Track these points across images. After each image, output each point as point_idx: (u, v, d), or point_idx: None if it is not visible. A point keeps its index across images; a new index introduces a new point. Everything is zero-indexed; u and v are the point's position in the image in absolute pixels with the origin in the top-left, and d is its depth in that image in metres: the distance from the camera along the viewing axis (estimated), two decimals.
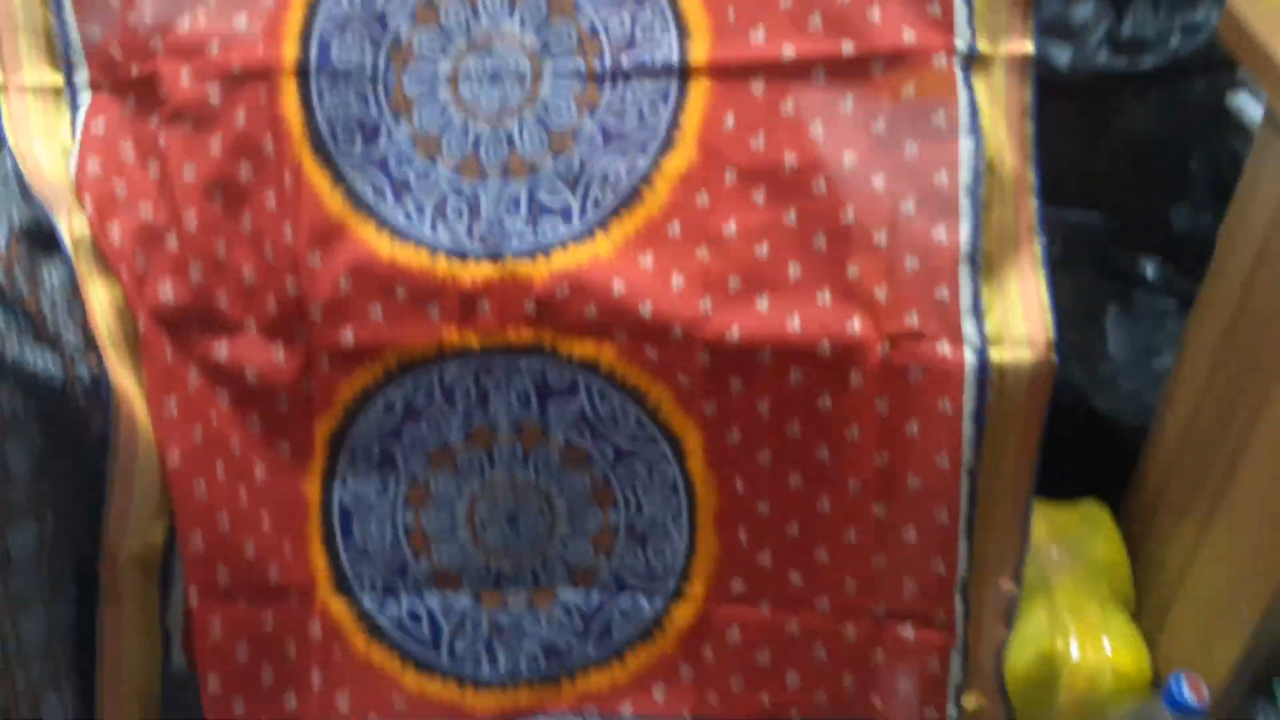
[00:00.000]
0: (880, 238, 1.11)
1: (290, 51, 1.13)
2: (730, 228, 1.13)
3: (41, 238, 1.11)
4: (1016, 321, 1.13)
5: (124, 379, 1.08)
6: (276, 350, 1.16)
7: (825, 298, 1.12)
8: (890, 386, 1.12)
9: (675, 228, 1.13)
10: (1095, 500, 1.43)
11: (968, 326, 1.10)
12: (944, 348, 1.10)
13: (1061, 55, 1.70)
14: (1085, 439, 1.47)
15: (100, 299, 1.10)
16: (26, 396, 1.03)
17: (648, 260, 1.12)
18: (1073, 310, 1.69)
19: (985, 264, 1.13)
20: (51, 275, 1.08)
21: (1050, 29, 1.71)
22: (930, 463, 1.13)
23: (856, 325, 1.11)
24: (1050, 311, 1.14)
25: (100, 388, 1.05)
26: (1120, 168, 1.78)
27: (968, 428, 1.10)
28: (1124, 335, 1.68)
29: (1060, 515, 1.37)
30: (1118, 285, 1.76)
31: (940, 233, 1.11)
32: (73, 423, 1.06)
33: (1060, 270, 1.73)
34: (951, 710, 1.20)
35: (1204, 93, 1.71)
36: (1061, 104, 1.75)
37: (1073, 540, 1.32)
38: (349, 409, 1.17)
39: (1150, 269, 1.77)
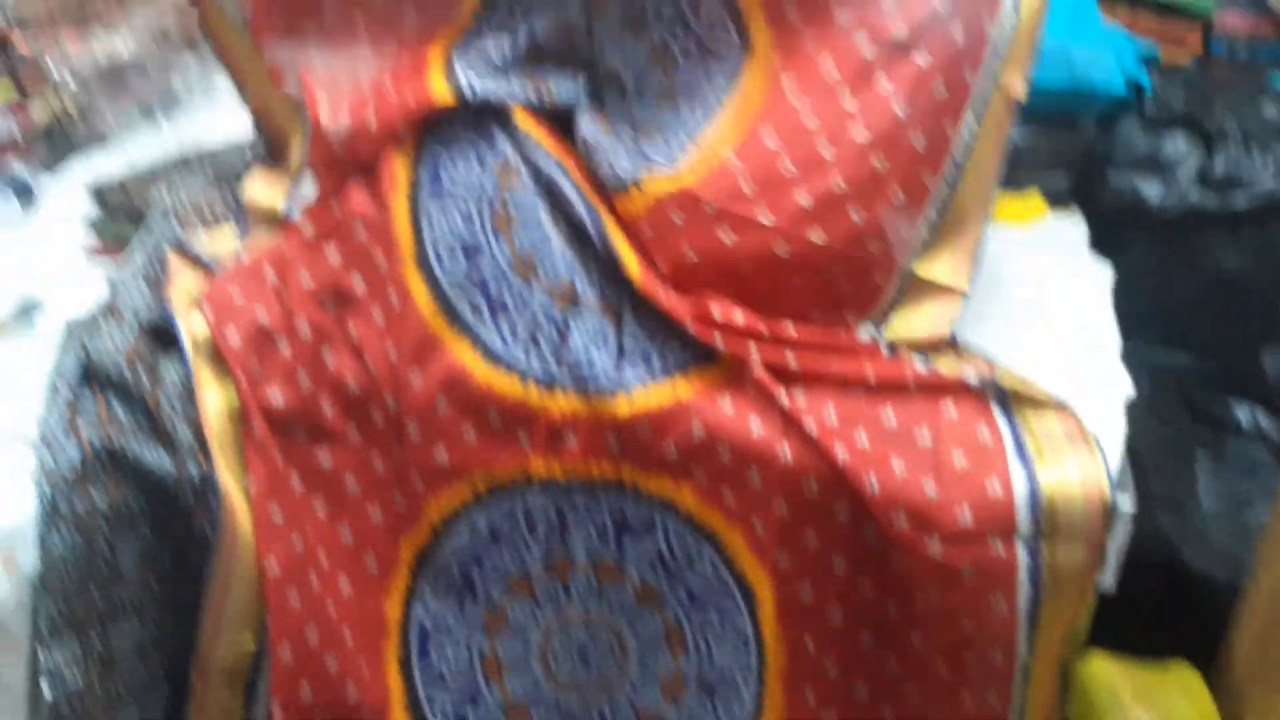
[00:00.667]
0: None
1: (404, 174, 1.19)
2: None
3: (164, 336, 1.16)
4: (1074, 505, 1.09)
5: (229, 482, 1.10)
6: (375, 462, 1.19)
7: (900, 466, 1.11)
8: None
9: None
10: (1186, 662, 1.38)
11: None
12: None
13: (1152, 190, 1.71)
14: (1174, 595, 1.44)
15: (213, 400, 1.14)
16: (139, 493, 1.07)
17: (727, 404, 1.14)
18: (1161, 457, 1.67)
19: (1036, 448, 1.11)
20: (170, 373, 1.13)
21: (1141, 163, 1.72)
22: (985, 646, 1.12)
23: (933, 489, 1.09)
24: (1109, 490, 1.09)
25: (208, 489, 1.08)
26: (1210, 308, 1.76)
27: (1022, 624, 1.09)
28: (1215, 485, 1.64)
29: (1148, 677, 1.32)
30: (1209, 431, 1.73)
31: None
32: (179, 522, 1.09)
33: (1148, 414, 1.72)
34: None
35: None
36: (1151, 239, 1.76)
37: (1161, 704, 1.27)
38: (436, 528, 1.19)
39: (1243, 415, 1.74)
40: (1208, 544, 1.58)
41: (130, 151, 1.91)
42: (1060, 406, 1.13)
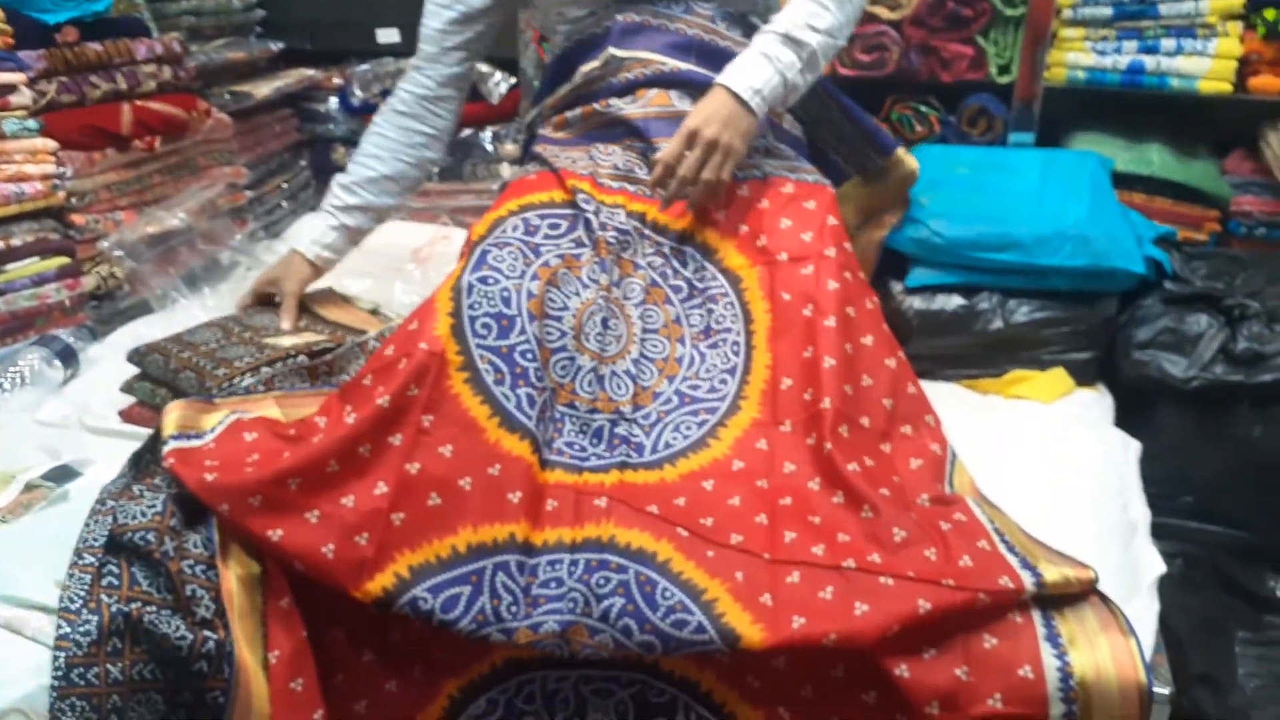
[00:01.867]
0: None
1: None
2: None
3: (192, 506, 1.17)
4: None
5: (245, 652, 1.09)
6: (393, 634, 1.18)
7: (930, 651, 1.08)
8: None
9: (738, 465, 1.25)
10: None
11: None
12: None
13: (1176, 365, 1.72)
14: None
15: (235, 571, 1.13)
16: (155, 661, 1.07)
17: (710, 485, 1.22)
18: (1197, 635, 1.63)
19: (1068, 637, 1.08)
20: (195, 545, 1.14)
21: (1164, 340, 1.74)
22: None
23: (963, 672, 1.06)
24: (1145, 675, 1.05)
25: (224, 658, 1.07)
26: (1240, 481, 1.75)
27: None
28: (1255, 662, 1.59)
29: None
30: (1245, 606, 1.70)
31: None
32: (193, 691, 1.08)
33: (1182, 591, 1.69)
34: None
35: None
36: (1178, 413, 1.76)
37: None
38: (454, 701, 1.18)
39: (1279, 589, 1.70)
40: None
41: (174, 319, 1.98)
42: (1091, 589, 1.11)
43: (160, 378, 1.59)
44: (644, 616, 1.08)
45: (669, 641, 1.07)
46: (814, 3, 1.48)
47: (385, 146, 1.77)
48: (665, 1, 1.58)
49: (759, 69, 1.44)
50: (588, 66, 1.59)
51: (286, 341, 1.60)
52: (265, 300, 1.79)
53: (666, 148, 1.42)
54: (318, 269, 1.77)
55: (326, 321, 1.75)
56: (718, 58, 1.52)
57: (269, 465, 1.15)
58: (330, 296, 1.84)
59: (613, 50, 1.56)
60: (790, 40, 1.45)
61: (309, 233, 1.80)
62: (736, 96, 1.41)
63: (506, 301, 1.27)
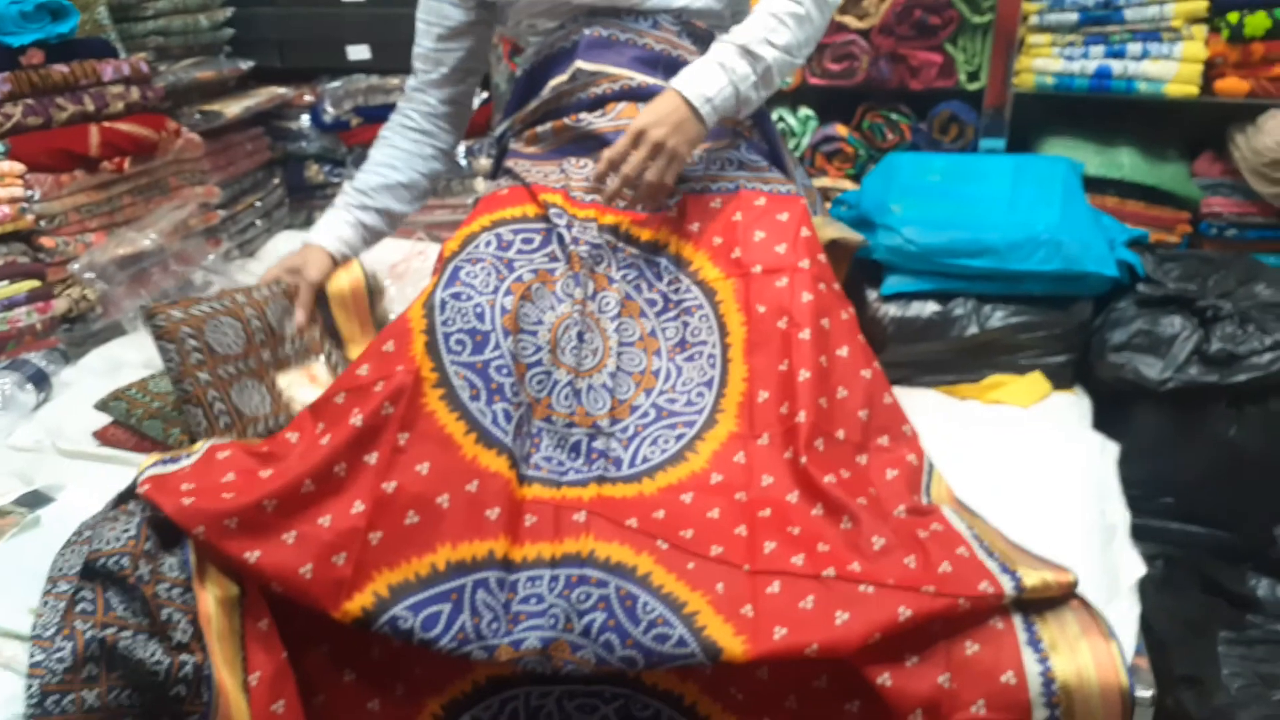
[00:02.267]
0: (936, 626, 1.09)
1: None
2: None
3: (167, 530, 1.16)
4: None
5: (224, 674, 1.08)
6: (373, 651, 1.17)
7: (912, 659, 1.08)
8: None
9: (716, 478, 1.26)
10: None
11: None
12: None
13: (1151, 367, 1.73)
14: None
15: (213, 593, 1.12)
16: (131, 687, 1.06)
17: (688, 498, 1.22)
18: (1180, 635, 1.64)
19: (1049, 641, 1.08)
20: (171, 568, 1.12)
21: (1139, 342, 1.75)
22: None
23: (946, 680, 1.06)
24: (1127, 678, 1.05)
25: (201, 681, 1.06)
26: (1218, 481, 1.76)
27: None
28: (1238, 661, 1.60)
29: None
30: (1227, 606, 1.70)
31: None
32: (170, 716, 1.06)
33: (1164, 592, 1.70)
34: None
35: None
36: (1154, 414, 1.77)
37: None
38: (438, 718, 1.17)
39: (1261, 589, 1.71)
40: None
41: (147, 340, 1.96)
42: (1071, 593, 1.11)
43: (126, 424, 1.58)
44: (625, 631, 1.08)
45: (651, 656, 1.07)
46: (774, 18, 1.47)
47: (398, 156, 1.76)
48: (632, 16, 1.58)
49: (713, 78, 1.43)
50: (556, 80, 1.59)
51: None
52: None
53: (613, 145, 1.42)
54: (336, 263, 1.73)
55: (335, 335, 1.72)
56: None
57: (244, 487, 1.14)
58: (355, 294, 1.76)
59: (580, 64, 1.56)
60: (747, 53, 1.45)
61: (324, 229, 1.75)
62: (688, 102, 1.41)
63: (480, 317, 1.26)
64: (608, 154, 1.42)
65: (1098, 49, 2.18)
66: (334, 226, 1.74)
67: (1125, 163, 2.21)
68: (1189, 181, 2.24)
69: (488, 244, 1.38)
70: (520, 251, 1.40)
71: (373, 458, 1.16)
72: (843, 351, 1.35)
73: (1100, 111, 2.31)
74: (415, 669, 1.18)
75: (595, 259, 1.42)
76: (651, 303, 1.43)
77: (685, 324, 1.41)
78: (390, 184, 1.75)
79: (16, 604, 1.13)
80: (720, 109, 1.44)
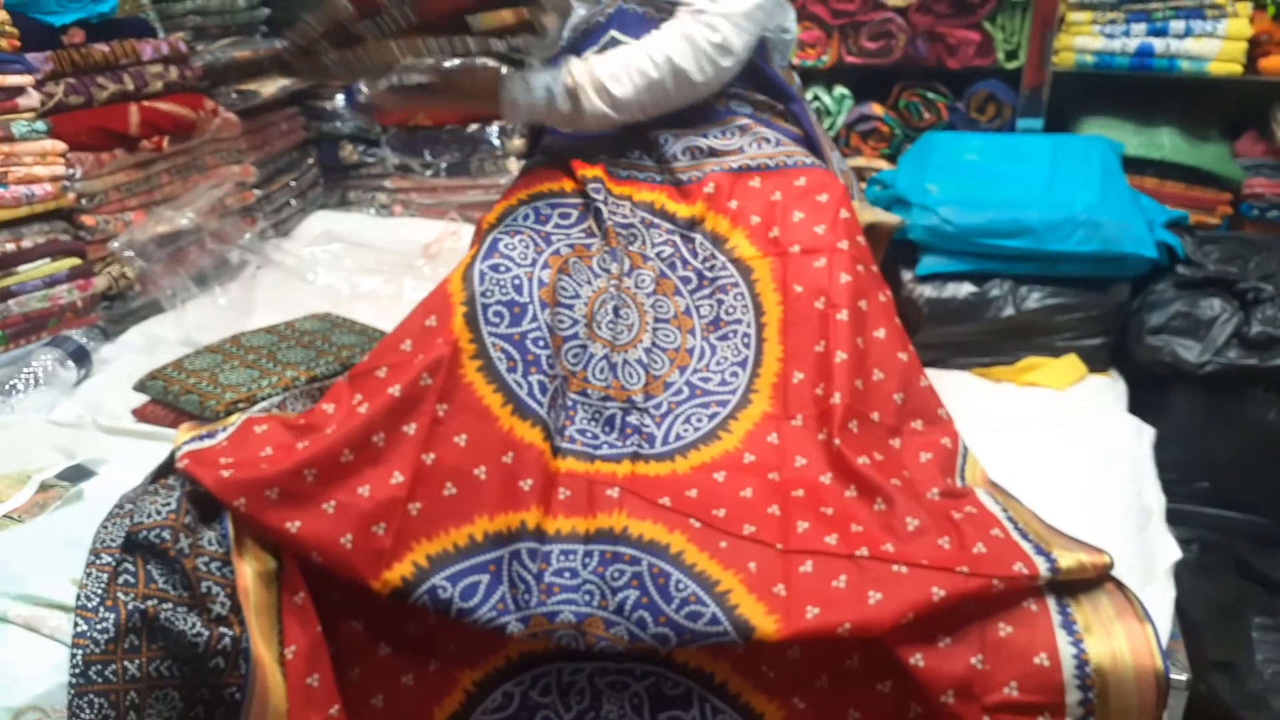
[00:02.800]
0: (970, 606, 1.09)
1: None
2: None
3: (207, 503, 1.18)
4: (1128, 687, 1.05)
5: (262, 647, 1.09)
6: (408, 625, 1.18)
7: (945, 640, 1.07)
8: None
9: (749, 458, 1.25)
10: None
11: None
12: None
13: (1189, 350, 1.72)
14: None
15: (251, 567, 1.13)
16: (171, 659, 1.07)
17: (721, 477, 1.22)
18: (1213, 619, 1.62)
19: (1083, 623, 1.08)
20: (210, 542, 1.14)
21: (1177, 324, 1.73)
22: None
23: (978, 661, 1.06)
24: (1161, 661, 1.04)
25: (240, 654, 1.07)
26: (1255, 465, 1.74)
27: None
28: (1272, 647, 1.59)
29: None
30: (1261, 591, 1.69)
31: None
32: (209, 687, 1.08)
33: (1199, 577, 1.68)
34: None
35: None
36: (1192, 398, 1.75)
37: None
38: (470, 694, 1.18)
39: None
40: (1267, 709, 1.52)
41: (185, 317, 1.98)
42: (1106, 575, 1.10)
43: (163, 401, 1.60)
44: (658, 609, 1.08)
45: (684, 634, 1.07)
46: (627, 70, 1.48)
47: None
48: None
49: (536, 96, 1.49)
50: (590, 51, 1.58)
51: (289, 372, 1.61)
52: None
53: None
54: None
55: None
56: None
57: (283, 457, 1.15)
58: None
59: (614, 33, 1.56)
60: (572, 96, 1.48)
61: None
62: (500, 99, 1.50)
63: (518, 289, 1.27)
64: None
65: (1139, 27, 2.15)
66: None
67: (1165, 143, 2.18)
68: (1230, 162, 2.21)
69: (525, 217, 1.39)
70: (558, 226, 1.40)
71: (411, 428, 1.17)
72: (880, 333, 1.34)
73: (1140, 91, 2.28)
74: (449, 644, 1.19)
75: (631, 236, 1.42)
76: (686, 280, 1.43)
77: (720, 302, 1.41)
78: None
79: (60, 575, 1.15)
80: (522, 115, 1.53)
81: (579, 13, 1.62)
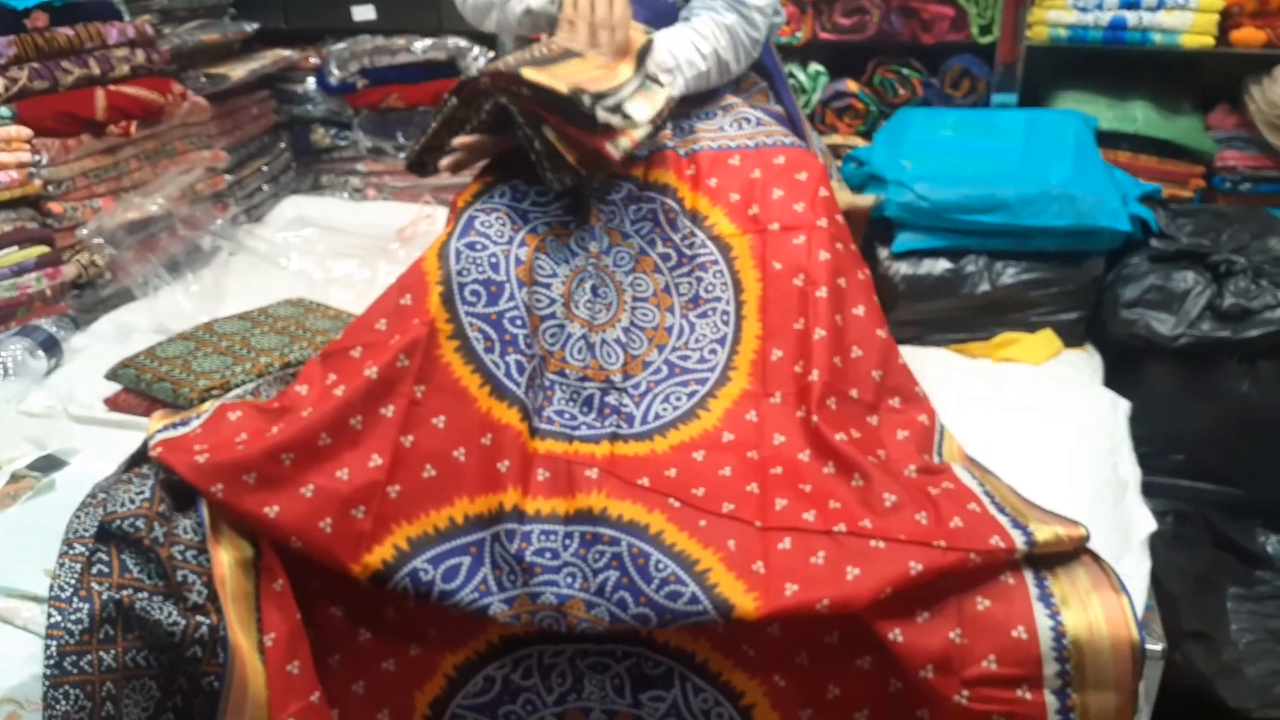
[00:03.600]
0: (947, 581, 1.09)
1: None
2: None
3: (181, 491, 1.17)
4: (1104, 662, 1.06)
5: (239, 635, 1.09)
6: (387, 611, 1.18)
7: (923, 614, 1.08)
8: None
9: (728, 437, 1.26)
10: None
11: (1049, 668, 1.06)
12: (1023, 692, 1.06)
13: (1163, 323, 1.72)
14: None
15: (228, 554, 1.12)
16: (148, 648, 1.07)
17: (700, 456, 1.22)
18: (1189, 590, 1.64)
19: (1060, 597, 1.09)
20: (186, 530, 1.13)
21: (1151, 298, 1.74)
22: None
23: (957, 635, 1.07)
24: (1137, 632, 1.05)
25: (217, 642, 1.07)
26: (1230, 437, 1.76)
27: None
28: (1247, 617, 1.60)
29: None
30: (1236, 562, 1.70)
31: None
32: (187, 676, 1.08)
33: (1174, 548, 1.70)
34: None
35: None
36: (1166, 371, 1.76)
37: None
38: (451, 679, 1.18)
39: (1270, 544, 1.71)
40: (1243, 678, 1.53)
41: (157, 305, 1.96)
42: (1083, 548, 1.11)
43: (136, 390, 1.58)
44: (639, 589, 1.08)
45: (664, 613, 1.07)
46: (674, 61, 1.51)
47: None
48: None
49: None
50: None
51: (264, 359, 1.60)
52: None
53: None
54: None
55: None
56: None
57: (259, 442, 1.14)
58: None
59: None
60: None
61: None
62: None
63: (495, 267, 1.26)
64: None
65: (1112, 0, 2.15)
66: None
67: (1139, 116, 2.18)
68: (1203, 135, 2.21)
69: (502, 194, 1.37)
70: (535, 203, 1.39)
71: (389, 410, 1.17)
72: (859, 310, 1.34)
73: (1113, 64, 2.28)
74: (429, 629, 1.18)
75: (610, 214, 1.41)
76: (665, 257, 1.42)
77: (699, 279, 1.41)
78: None
79: (33, 566, 1.14)
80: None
81: None
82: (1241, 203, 2.18)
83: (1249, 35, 2.08)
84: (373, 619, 1.18)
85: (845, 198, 1.68)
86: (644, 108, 1.37)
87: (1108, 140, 2.15)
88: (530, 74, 1.27)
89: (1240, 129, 2.20)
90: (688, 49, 1.52)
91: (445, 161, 1.40)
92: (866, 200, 1.71)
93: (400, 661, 1.18)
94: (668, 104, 1.43)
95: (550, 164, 1.31)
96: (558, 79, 1.27)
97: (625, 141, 1.33)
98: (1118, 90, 2.25)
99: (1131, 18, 2.12)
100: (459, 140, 1.39)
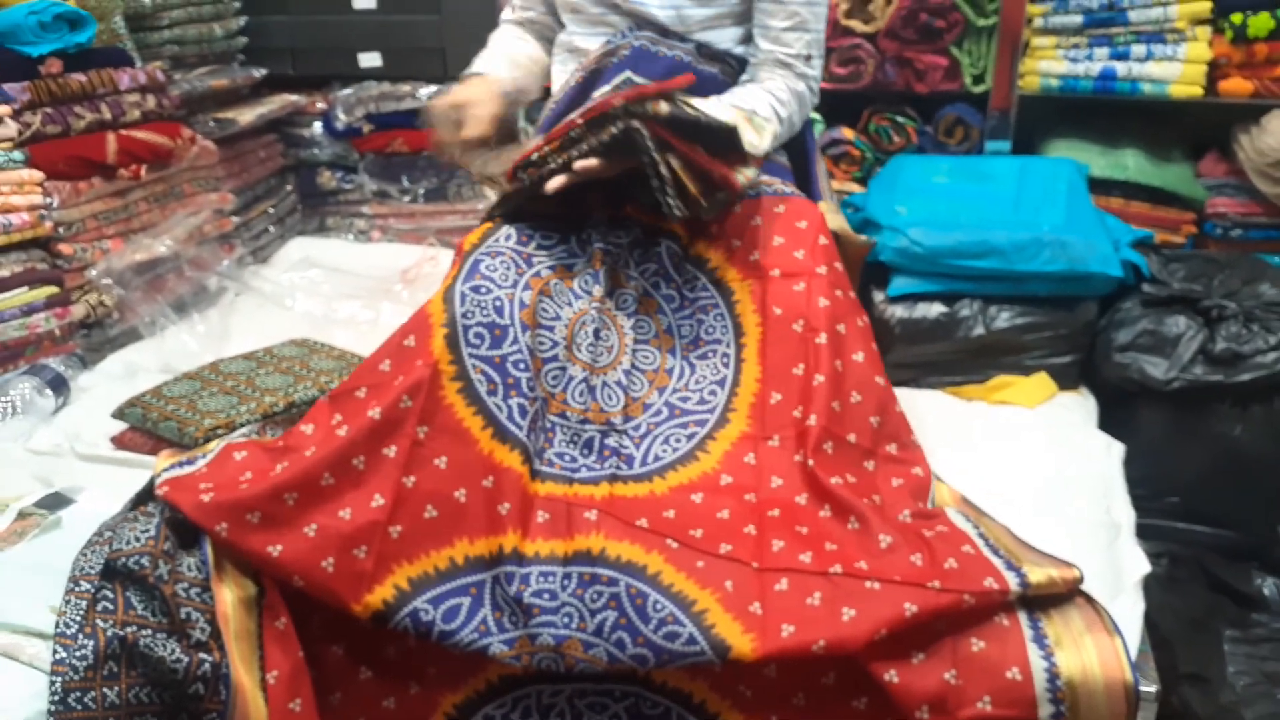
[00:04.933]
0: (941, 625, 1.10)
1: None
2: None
3: (186, 530, 1.18)
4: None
5: (242, 673, 1.10)
6: (388, 649, 1.19)
7: (918, 656, 1.09)
8: None
9: (727, 479, 1.27)
10: None
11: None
12: None
13: (1156, 367, 1.74)
14: None
15: (231, 592, 1.14)
16: (151, 685, 1.08)
17: (698, 498, 1.24)
18: (1184, 633, 1.65)
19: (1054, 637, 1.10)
20: (190, 568, 1.15)
21: (1144, 342, 1.76)
22: None
23: (952, 676, 1.07)
24: (1131, 674, 1.06)
25: (219, 679, 1.08)
26: (1223, 480, 1.77)
27: None
28: (1244, 660, 1.61)
29: None
30: (1231, 604, 1.71)
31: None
32: (189, 714, 1.08)
33: (1169, 591, 1.71)
34: None
35: None
36: (1159, 414, 1.78)
37: None
38: (451, 717, 1.19)
39: (1266, 587, 1.72)
40: None
41: (164, 345, 1.99)
42: (1076, 589, 1.12)
43: (142, 428, 1.60)
44: (636, 630, 1.10)
45: (661, 654, 1.09)
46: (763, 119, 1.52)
47: (516, 34, 1.76)
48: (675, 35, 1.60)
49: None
50: (602, 90, 1.58)
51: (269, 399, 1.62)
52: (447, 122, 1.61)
53: None
54: (507, 93, 1.65)
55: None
56: (703, 84, 1.54)
57: (263, 482, 1.16)
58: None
59: (629, 74, 1.55)
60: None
61: (483, 65, 1.71)
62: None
63: (499, 311, 1.28)
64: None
65: (1102, 50, 2.19)
66: (493, 66, 1.69)
67: (1130, 164, 2.22)
68: (1194, 182, 2.25)
69: (508, 238, 1.39)
70: (540, 246, 1.41)
71: (392, 450, 1.18)
72: (858, 356, 1.36)
73: (1105, 113, 2.32)
74: (429, 668, 1.19)
75: (615, 257, 1.44)
76: (669, 299, 1.44)
77: (700, 322, 1.43)
78: (519, 58, 1.72)
79: (39, 603, 1.15)
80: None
81: (587, 49, 1.63)
82: (1233, 248, 2.20)
83: (1236, 86, 2.12)
84: (373, 657, 1.20)
85: (836, 220, 1.69)
86: (758, 140, 1.42)
87: (1100, 187, 2.19)
88: (682, 98, 1.29)
89: (1230, 176, 2.23)
90: (765, 109, 1.53)
91: (554, 184, 1.37)
92: (858, 238, 1.73)
93: (400, 700, 1.19)
94: (774, 139, 1.47)
95: (674, 191, 1.31)
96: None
97: (750, 172, 1.36)
98: (1110, 138, 2.29)
99: (1121, 68, 2.16)
100: (580, 165, 1.35)
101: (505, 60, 1.69)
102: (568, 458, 1.27)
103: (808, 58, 1.58)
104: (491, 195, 2.41)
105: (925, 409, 1.69)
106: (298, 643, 1.14)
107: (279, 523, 1.13)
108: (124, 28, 2.23)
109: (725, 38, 1.60)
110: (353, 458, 1.17)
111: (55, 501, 1.40)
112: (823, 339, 1.33)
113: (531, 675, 1.17)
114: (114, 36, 2.21)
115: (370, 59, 2.65)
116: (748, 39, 1.61)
